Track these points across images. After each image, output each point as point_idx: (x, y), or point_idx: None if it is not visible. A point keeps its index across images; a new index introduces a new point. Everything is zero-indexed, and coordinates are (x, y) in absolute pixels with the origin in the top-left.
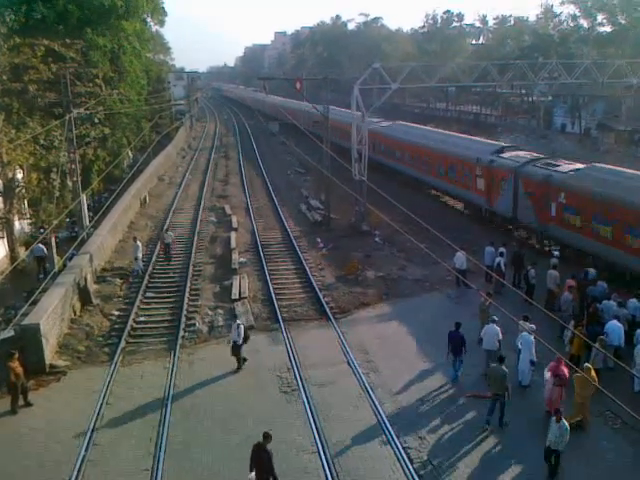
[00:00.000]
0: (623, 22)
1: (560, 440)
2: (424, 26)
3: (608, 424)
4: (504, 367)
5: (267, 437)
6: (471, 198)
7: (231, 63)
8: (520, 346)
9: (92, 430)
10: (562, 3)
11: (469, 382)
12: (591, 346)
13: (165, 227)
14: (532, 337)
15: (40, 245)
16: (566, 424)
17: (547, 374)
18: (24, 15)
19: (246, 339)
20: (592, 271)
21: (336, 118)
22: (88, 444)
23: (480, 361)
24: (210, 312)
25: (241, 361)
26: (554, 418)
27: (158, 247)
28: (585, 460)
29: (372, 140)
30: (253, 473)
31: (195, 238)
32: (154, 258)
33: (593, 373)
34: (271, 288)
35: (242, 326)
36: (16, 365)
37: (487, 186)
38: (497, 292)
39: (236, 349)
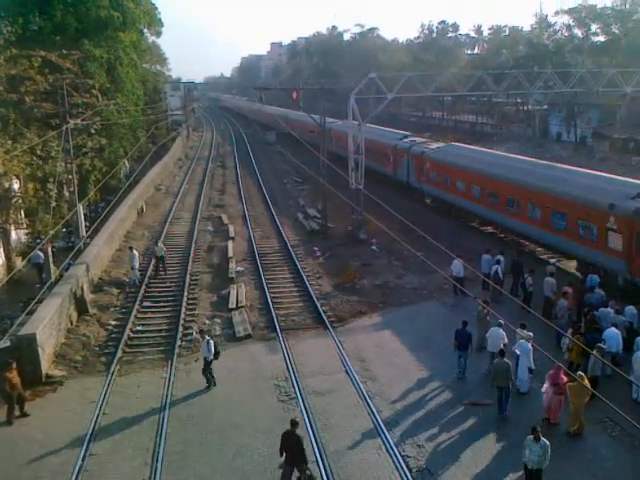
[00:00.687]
0: (617, 32)
1: (542, 459)
2: (420, 36)
3: (607, 432)
4: (506, 360)
5: (295, 424)
6: (597, 259)
7: (227, 73)
8: (518, 352)
9: (89, 440)
10: (556, 13)
11: (470, 387)
12: (589, 354)
13: (158, 240)
14: (530, 345)
15: (39, 252)
16: (547, 442)
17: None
18: (21, 26)
19: (217, 355)
20: (594, 277)
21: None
22: (85, 454)
23: (479, 367)
24: (207, 321)
25: (211, 380)
26: (531, 437)
27: (152, 262)
28: (584, 468)
29: (418, 165)
30: (283, 458)
31: (192, 247)
32: (151, 268)
33: (586, 381)
34: (268, 297)
35: (212, 341)
36: (13, 375)
37: (629, 246)
38: (495, 300)
39: (207, 366)
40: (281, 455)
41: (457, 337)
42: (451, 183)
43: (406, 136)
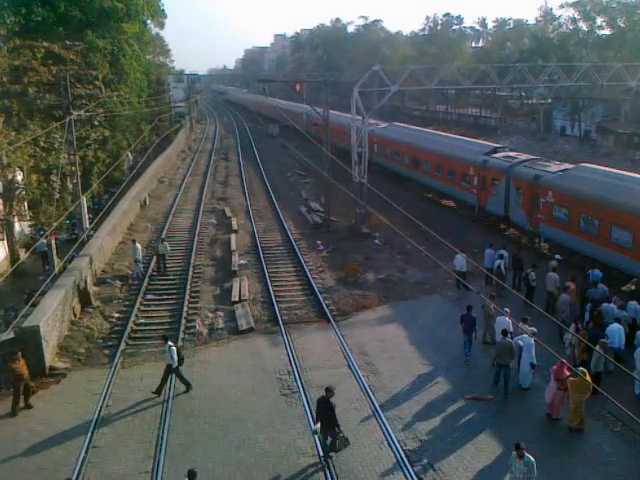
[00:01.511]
0: (622, 25)
1: (528, 477)
2: (424, 29)
3: (609, 427)
4: (509, 339)
5: (329, 391)
6: None
7: (231, 65)
8: (521, 344)
9: (92, 432)
10: (561, 6)
11: (472, 381)
12: (591, 349)
13: (161, 237)
14: (532, 340)
15: (44, 240)
16: (531, 458)
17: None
18: (24, 17)
19: (181, 361)
20: (597, 272)
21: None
22: (88, 446)
23: (482, 362)
24: (210, 314)
25: (162, 386)
26: (515, 454)
27: (154, 261)
28: (586, 463)
29: (529, 195)
30: (319, 424)
31: (195, 240)
32: (152, 264)
33: (588, 377)
34: (271, 290)
35: (174, 348)
36: (18, 365)
37: None
38: (498, 295)
39: (170, 372)
40: (316, 421)
41: (462, 321)
42: (601, 230)
43: (496, 149)
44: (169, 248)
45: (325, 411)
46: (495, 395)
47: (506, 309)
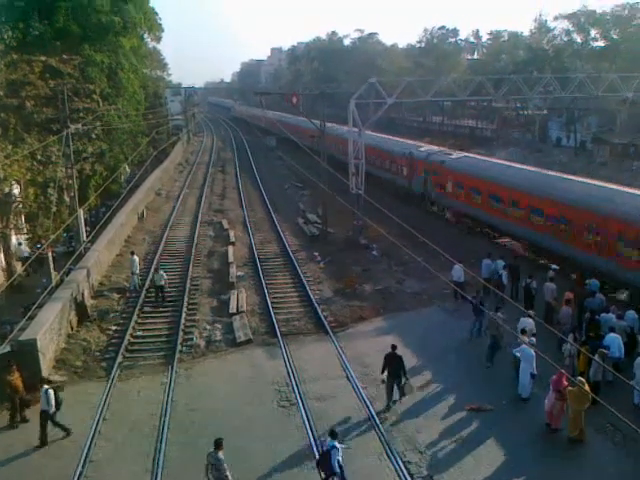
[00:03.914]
0: (616, 37)
1: None
2: (421, 41)
3: (608, 437)
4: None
5: (395, 347)
6: None
7: (227, 78)
8: (518, 355)
9: (89, 446)
10: (556, 18)
11: (472, 392)
12: (591, 360)
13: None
14: (533, 351)
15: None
16: None
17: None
18: (22, 32)
19: (58, 405)
20: (595, 282)
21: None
22: (85, 460)
23: (484, 370)
24: (208, 326)
25: (46, 436)
26: None
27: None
28: (586, 474)
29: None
30: (385, 373)
31: (192, 252)
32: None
33: (587, 387)
34: (269, 302)
35: (51, 391)
36: (14, 377)
37: None
38: (497, 306)
39: (46, 419)
40: (382, 373)
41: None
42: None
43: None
44: (166, 277)
45: (396, 362)
46: (495, 405)
47: (530, 312)
